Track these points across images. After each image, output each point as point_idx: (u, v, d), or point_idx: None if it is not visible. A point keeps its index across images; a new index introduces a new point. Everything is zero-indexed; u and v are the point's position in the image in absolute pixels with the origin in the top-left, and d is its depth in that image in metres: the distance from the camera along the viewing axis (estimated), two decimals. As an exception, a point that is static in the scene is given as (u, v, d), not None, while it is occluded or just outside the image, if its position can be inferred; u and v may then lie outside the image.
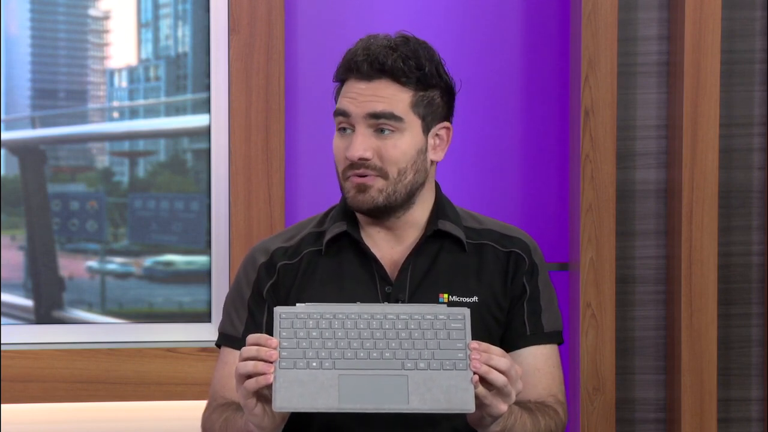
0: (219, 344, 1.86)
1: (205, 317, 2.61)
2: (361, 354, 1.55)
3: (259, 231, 2.50)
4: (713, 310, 2.44)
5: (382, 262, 1.79)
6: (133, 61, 2.63)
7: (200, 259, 2.62)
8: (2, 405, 2.46)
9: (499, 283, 1.81)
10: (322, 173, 2.49)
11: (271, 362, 1.53)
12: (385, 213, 1.78)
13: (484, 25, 2.56)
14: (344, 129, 1.76)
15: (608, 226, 2.45)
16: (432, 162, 1.81)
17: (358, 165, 1.73)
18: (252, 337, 1.56)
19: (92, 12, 2.61)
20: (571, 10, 2.52)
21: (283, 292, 1.80)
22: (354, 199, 1.75)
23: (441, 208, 1.83)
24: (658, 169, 2.51)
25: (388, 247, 1.81)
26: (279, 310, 1.58)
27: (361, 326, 1.57)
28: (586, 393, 2.45)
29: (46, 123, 2.61)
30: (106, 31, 2.62)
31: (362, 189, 1.74)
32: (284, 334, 1.56)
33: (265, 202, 2.51)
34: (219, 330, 1.87)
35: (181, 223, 2.62)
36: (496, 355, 1.55)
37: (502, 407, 1.55)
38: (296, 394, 1.52)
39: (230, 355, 1.80)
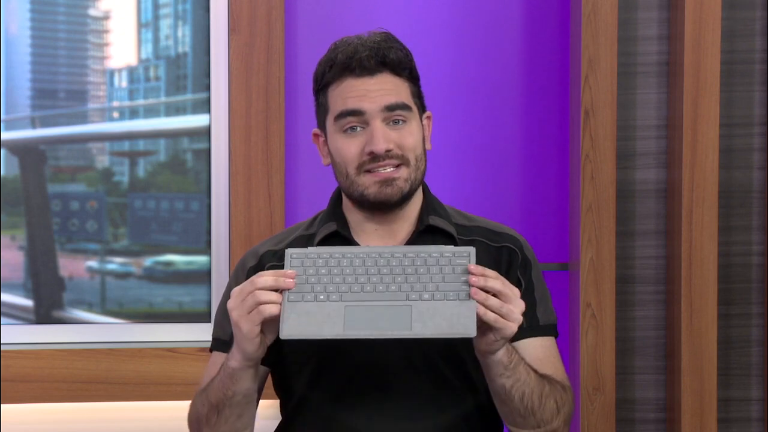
0: (212, 349, 1.88)
1: (205, 317, 2.61)
2: (368, 287, 1.59)
3: (259, 231, 2.50)
4: (713, 310, 2.44)
5: None
6: (133, 61, 2.63)
7: (200, 259, 2.62)
8: (2, 405, 2.46)
9: None
10: (322, 173, 2.49)
11: (288, 289, 1.57)
12: (402, 203, 1.79)
13: (484, 25, 2.56)
14: (353, 128, 1.76)
15: (608, 226, 2.45)
16: None
17: (380, 158, 1.75)
18: (269, 272, 1.61)
19: (92, 12, 2.61)
20: (571, 10, 2.52)
21: None
22: (380, 193, 1.76)
23: (430, 204, 1.86)
24: (658, 169, 2.51)
25: (381, 244, 1.82)
26: (290, 251, 1.62)
27: (369, 263, 1.60)
28: (586, 393, 2.45)
29: (46, 123, 2.61)
30: (106, 31, 2.62)
31: (388, 182, 1.76)
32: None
33: (265, 202, 2.51)
34: (212, 336, 1.89)
35: (181, 223, 2.62)
36: (491, 278, 1.58)
37: (511, 326, 1.58)
38: (303, 323, 1.56)
39: (220, 358, 1.81)
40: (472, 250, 1.61)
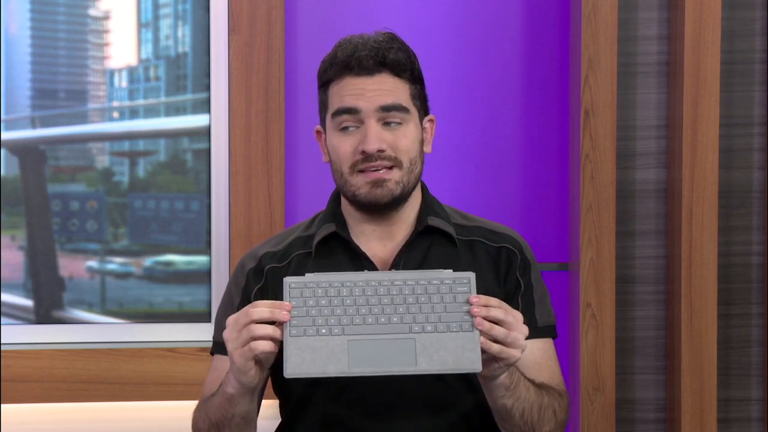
0: (212, 353, 1.88)
1: (205, 317, 2.61)
2: (370, 320, 1.57)
3: (259, 231, 2.50)
4: (713, 310, 2.44)
5: (373, 260, 1.80)
6: (133, 61, 2.63)
7: (200, 259, 2.62)
8: (2, 405, 2.46)
9: (492, 279, 1.82)
10: (322, 173, 2.49)
11: (284, 322, 1.55)
12: (396, 205, 1.78)
13: (484, 25, 2.56)
14: (348, 127, 1.76)
15: (608, 226, 2.45)
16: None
17: (372, 158, 1.74)
18: (264, 302, 1.58)
19: (92, 12, 2.61)
20: (571, 10, 2.52)
21: (271, 295, 1.80)
22: (370, 194, 1.75)
23: (429, 205, 1.85)
24: (658, 169, 2.51)
25: (380, 245, 1.82)
26: (288, 280, 1.59)
27: (369, 293, 1.58)
28: (586, 393, 2.45)
29: (46, 123, 2.61)
30: (106, 31, 2.62)
31: (379, 183, 1.75)
32: (293, 303, 1.57)
33: (265, 202, 2.51)
34: (213, 339, 1.88)
35: (181, 223, 2.62)
36: (494, 306, 1.57)
37: (515, 353, 1.57)
38: (307, 360, 1.54)
39: (221, 362, 1.80)
40: (471, 276, 1.59)
